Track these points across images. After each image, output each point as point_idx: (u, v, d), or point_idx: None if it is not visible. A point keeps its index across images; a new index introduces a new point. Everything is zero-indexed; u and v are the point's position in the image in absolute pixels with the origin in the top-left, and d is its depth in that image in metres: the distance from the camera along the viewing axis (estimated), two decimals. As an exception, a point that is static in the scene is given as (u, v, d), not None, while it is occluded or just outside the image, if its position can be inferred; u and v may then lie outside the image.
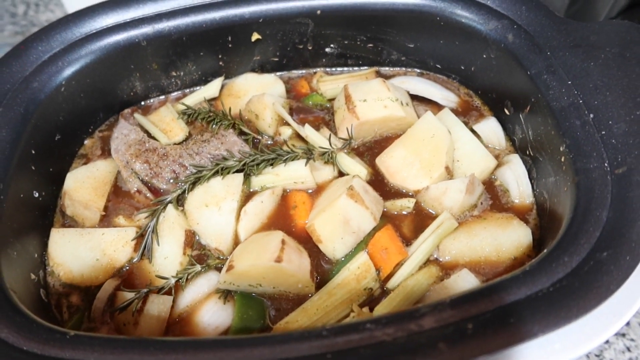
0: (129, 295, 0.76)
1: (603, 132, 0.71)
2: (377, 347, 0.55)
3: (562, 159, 0.74)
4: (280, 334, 0.58)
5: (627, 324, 1.17)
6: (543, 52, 0.82)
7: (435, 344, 0.54)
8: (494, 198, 0.87)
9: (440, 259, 0.80)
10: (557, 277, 0.59)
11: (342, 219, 0.79)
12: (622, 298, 0.60)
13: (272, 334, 0.59)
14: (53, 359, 0.57)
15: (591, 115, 0.73)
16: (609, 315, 0.59)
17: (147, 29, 0.93)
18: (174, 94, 1.05)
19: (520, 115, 0.88)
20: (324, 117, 1.01)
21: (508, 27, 0.88)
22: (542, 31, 0.84)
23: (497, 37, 0.89)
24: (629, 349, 1.15)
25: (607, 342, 1.15)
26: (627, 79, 0.75)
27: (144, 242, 0.82)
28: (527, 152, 0.87)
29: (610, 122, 0.71)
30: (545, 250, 0.64)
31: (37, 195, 0.84)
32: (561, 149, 0.74)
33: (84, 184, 0.88)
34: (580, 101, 0.75)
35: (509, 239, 0.79)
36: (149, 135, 0.96)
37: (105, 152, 0.97)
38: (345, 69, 1.08)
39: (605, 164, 0.68)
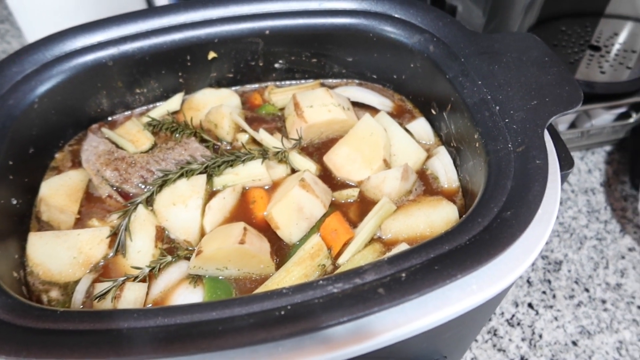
0: (107, 285, 0.84)
1: (507, 120, 0.86)
2: (328, 297, 0.66)
3: (477, 145, 0.89)
4: (248, 296, 0.68)
5: (554, 297, 1.34)
6: (458, 59, 0.98)
7: (375, 290, 0.66)
8: (426, 184, 1.01)
9: (383, 237, 0.92)
10: (473, 234, 0.72)
11: (296, 207, 0.90)
12: (524, 247, 0.74)
13: (241, 296, 0.69)
14: (48, 330, 0.64)
15: (497, 108, 0.88)
16: (514, 260, 0.72)
17: (112, 51, 1.03)
18: (138, 110, 1.15)
19: (444, 114, 1.03)
20: (276, 125, 1.13)
21: (429, 39, 1.03)
22: (456, 42, 1.00)
23: (420, 48, 1.04)
24: (556, 319, 1.30)
25: (537, 313, 1.30)
26: (523, 77, 0.91)
27: (117, 239, 0.91)
28: (452, 144, 1.02)
29: (511, 112, 0.87)
30: (464, 216, 0.78)
31: (14, 202, 0.91)
32: (475, 136, 0.89)
33: (58, 191, 0.96)
34: (489, 97, 0.90)
35: (439, 216, 0.93)
36: (117, 147, 1.05)
37: (76, 164, 1.05)
38: (294, 82, 1.21)
39: (509, 145, 0.83)
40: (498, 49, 0.96)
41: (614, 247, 1.44)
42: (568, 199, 1.56)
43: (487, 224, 0.73)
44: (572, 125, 1.61)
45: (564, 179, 0.94)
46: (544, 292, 1.35)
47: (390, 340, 0.67)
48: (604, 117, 1.55)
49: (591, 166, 1.64)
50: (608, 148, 1.68)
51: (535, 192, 0.75)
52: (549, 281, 1.37)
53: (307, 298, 0.66)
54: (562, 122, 1.58)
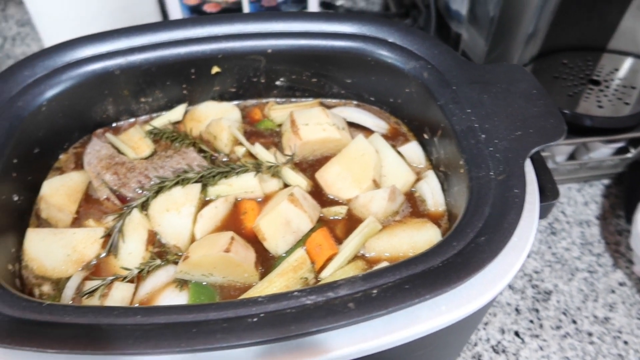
0: (96, 283, 0.88)
1: (491, 149, 0.89)
2: (300, 308, 0.68)
3: (462, 171, 0.91)
4: (224, 302, 0.71)
5: (541, 326, 1.34)
6: (450, 87, 1.01)
7: (346, 304, 0.68)
8: (413, 206, 1.04)
9: (367, 255, 0.95)
10: (446, 257, 0.75)
11: (283, 221, 0.94)
12: (496, 272, 0.76)
13: (217, 302, 0.72)
14: (31, 321, 0.68)
15: (483, 136, 0.91)
16: (485, 285, 0.74)
17: (120, 60, 1.08)
18: (142, 118, 1.19)
19: (435, 139, 1.05)
20: (273, 140, 1.16)
21: (424, 66, 1.06)
22: (450, 70, 1.03)
23: (415, 74, 1.07)
24: (541, 349, 1.31)
25: (523, 342, 1.31)
26: (510, 108, 0.94)
27: (111, 240, 0.94)
28: (440, 169, 1.05)
29: (496, 141, 0.89)
30: (441, 239, 0.80)
31: (16, 199, 0.96)
32: (461, 162, 0.92)
33: (58, 191, 1.00)
34: (476, 125, 0.93)
35: (422, 238, 0.95)
36: (119, 152, 1.10)
37: (78, 166, 1.09)
38: (294, 99, 1.25)
39: (491, 173, 0.86)
40: (489, 79, 1.00)
41: (605, 281, 1.44)
42: (562, 230, 1.57)
43: (461, 248, 0.76)
44: (571, 157, 1.62)
45: (547, 209, 0.96)
46: (531, 321, 1.35)
47: (358, 353, 0.70)
48: (602, 150, 1.57)
49: (588, 198, 1.65)
50: (606, 181, 1.69)
51: (510, 219, 0.77)
52: (537, 310, 1.37)
53: (280, 307, 0.69)
54: (560, 154, 1.60)
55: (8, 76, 1.00)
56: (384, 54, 1.11)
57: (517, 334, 1.33)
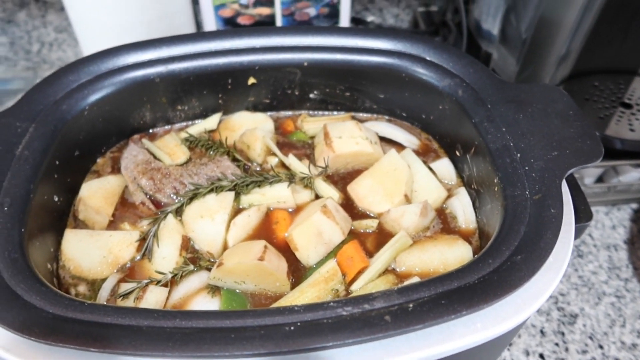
0: (131, 285, 0.89)
1: (526, 168, 0.89)
2: (337, 319, 0.69)
3: (496, 189, 0.91)
4: (261, 309, 0.72)
5: (567, 350, 1.33)
6: (485, 105, 1.01)
7: (382, 317, 0.69)
8: (444, 223, 1.04)
9: (397, 269, 0.95)
10: (482, 274, 0.75)
11: (316, 231, 0.94)
12: (532, 292, 0.75)
13: (254, 309, 0.73)
14: (74, 320, 0.69)
15: (518, 155, 0.91)
16: (520, 304, 0.74)
17: (160, 69, 1.11)
18: (178, 125, 1.22)
19: (467, 156, 1.06)
20: (305, 151, 1.18)
21: (459, 84, 1.07)
22: (485, 89, 1.04)
23: (450, 92, 1.08)
24: (567, 372, 1.29)
25: (547, 365, 1.29)
26: (547, 128, 0.94)
27: (145, 244, 0.96)
28: (472, 186, 1.05)
29: (532, 160, 0.90)
30: (476, 256, 0.80)
31: (56, 199, 0.98)
32: (495, 181, 0.92)
33: (96, 193, 1.03)
34: (511, 144, 0.93)
35: (453, 255, 0.95)
36: (155, 158, 1.12)
37: (115, 170, 1.12)
38: (326, 112, 1.27)
39: (527, 192, 0.86)
40: (524, 99, 1.00)
41: (632, 307, 1.42)
42: (589, 253, 1.55)
43: (497, 266, 0.76)
44: (599, 180, 1.61)
45: (581, 231, 0.95)
46: (556, 344, 1.33)
47: (392, 367, 0.70)
48: (631, 174, 1.55)
49: (616, 222, 1.63)
50: (635, 205, 1.67)
51: (547, 239, 0.77)
52: (563, 333, 1.36)
53: (317, 317, 0.69)
54: (589, 176, 1.59)
55: (54, 80, 1.03)
56: (419, 70, 1.12)
57: (541, 356, 1.31)
